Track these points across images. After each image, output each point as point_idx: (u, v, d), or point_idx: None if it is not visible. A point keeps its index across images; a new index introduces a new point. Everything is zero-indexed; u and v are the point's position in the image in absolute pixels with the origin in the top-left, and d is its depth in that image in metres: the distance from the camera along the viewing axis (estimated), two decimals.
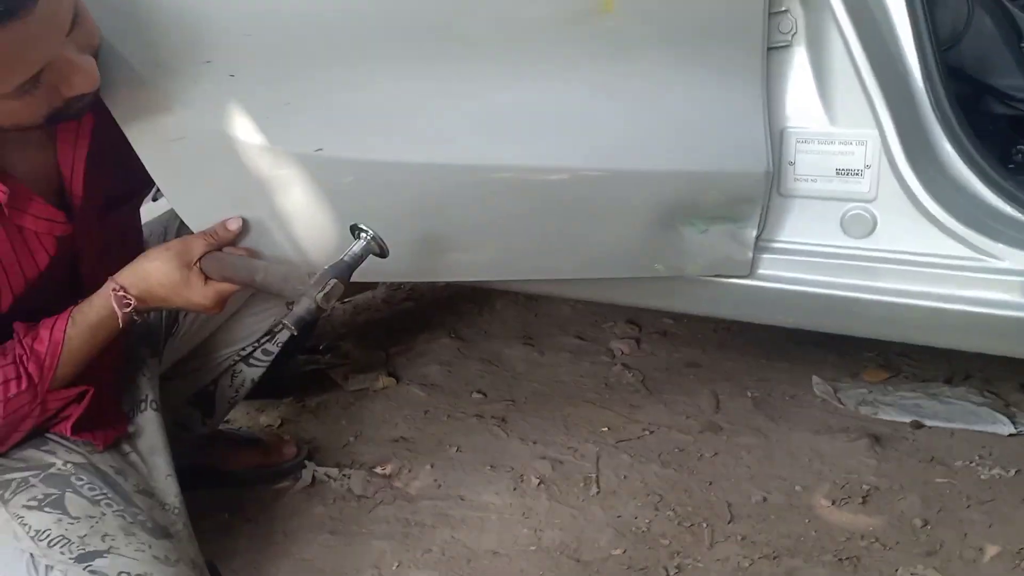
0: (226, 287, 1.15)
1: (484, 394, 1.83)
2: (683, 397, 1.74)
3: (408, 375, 1.94)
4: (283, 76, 1.09)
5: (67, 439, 1.17)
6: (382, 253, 1.05)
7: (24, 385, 1.09)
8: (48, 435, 1.18)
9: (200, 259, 1.14)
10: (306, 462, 1.61)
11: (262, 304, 1.44)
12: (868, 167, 1.13)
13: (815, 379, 1.73)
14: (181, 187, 1.17)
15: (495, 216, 1.18)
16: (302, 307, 1.00)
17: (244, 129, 1.09)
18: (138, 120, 1.10)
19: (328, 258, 1.14)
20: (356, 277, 1.06)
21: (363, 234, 1.04)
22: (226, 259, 1.15)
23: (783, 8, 1.10)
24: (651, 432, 1.64)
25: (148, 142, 1.11)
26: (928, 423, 1.58)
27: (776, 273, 1.21)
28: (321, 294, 1.00)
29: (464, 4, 1.07)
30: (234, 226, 1.16)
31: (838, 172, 1.15)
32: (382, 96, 1.10)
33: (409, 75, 1.09)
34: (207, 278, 1.14)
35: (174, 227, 1.38)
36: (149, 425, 1.28)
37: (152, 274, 1.13)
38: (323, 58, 1.08)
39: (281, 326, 1.08)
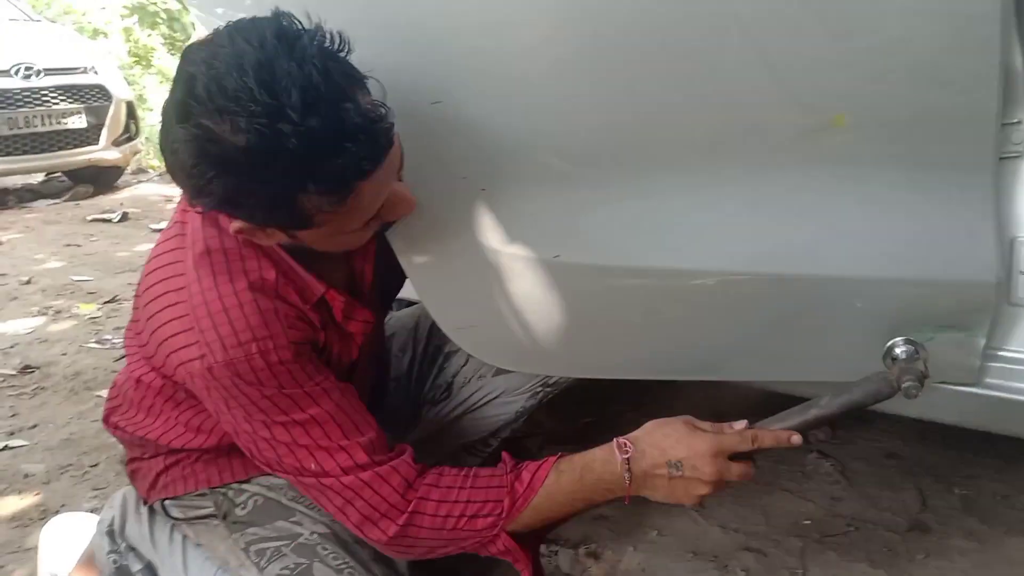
0: (738, 468, 1.15)
1: None
2: (885, 491, 1.70)
3: None
4: (524, 191, 1.18)
5: (312, 508, 1.25)
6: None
7: (494, 516, 1.14)
8: (293, 505, 1.27)
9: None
10: None
11: (500, 408, 1.51)
12: None
13: None
14: (436, 291, 1.29)
15: (725, 321, 1.23)
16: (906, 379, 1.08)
17: (492, 238, 1.19)
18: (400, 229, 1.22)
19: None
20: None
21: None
22: (767, 422, 1.19)
23: (1016, 120, 1.10)
24: (856, 528, 1.61)
25: (408, 250, 1.24)
26: None
27: (1005, 383, 1.18)
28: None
29: (702, 124, 1.11)
30: (739, 426, 1.20)
31: None
32: (618, 207, 1.16)
33: (648, 187, 1.15)
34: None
35: (426, 324, 1.49)
36: None
37: (670, 436, 1.19)
38: (567, 178, 1.16)
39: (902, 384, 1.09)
